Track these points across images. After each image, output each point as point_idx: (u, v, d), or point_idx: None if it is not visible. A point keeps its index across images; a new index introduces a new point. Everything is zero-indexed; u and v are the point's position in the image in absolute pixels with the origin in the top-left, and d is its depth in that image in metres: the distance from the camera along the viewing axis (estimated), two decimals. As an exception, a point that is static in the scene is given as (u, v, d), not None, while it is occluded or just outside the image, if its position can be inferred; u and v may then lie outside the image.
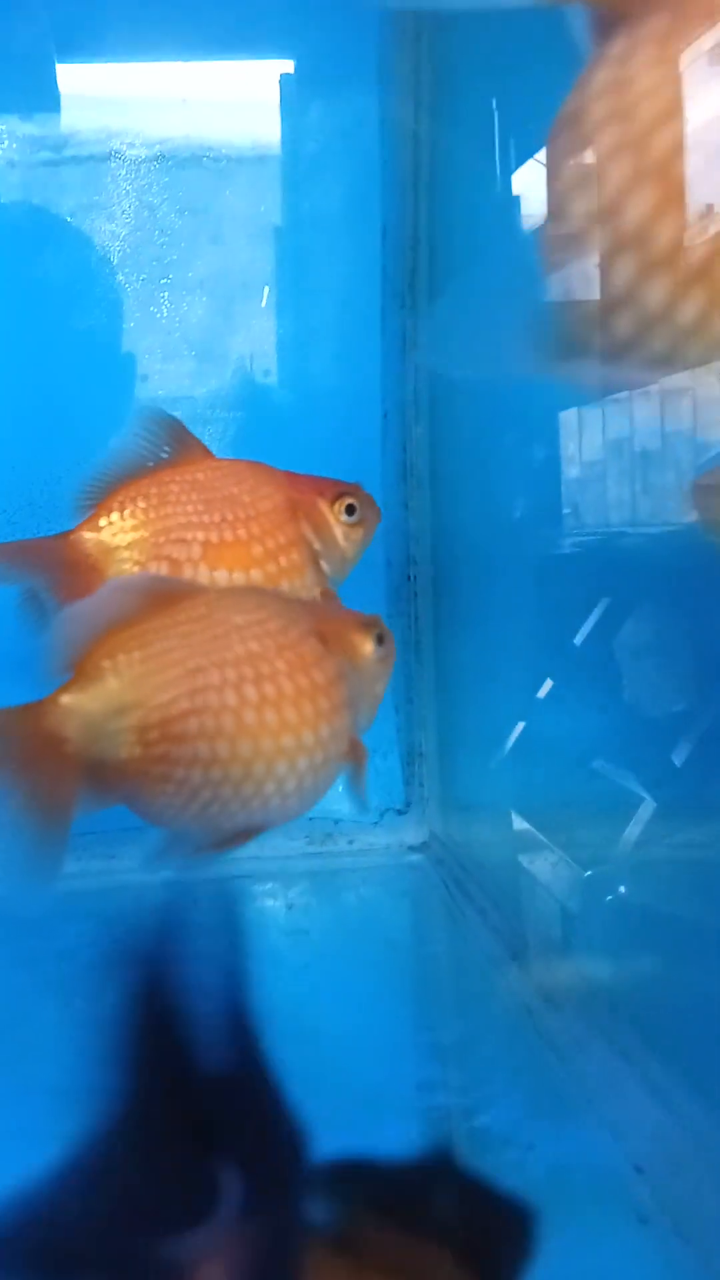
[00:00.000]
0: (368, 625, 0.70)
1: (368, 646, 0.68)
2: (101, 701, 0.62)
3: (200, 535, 0.76)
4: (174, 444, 0.82)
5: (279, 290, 1.24)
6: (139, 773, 0.61)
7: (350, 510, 0.81)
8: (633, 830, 1.01)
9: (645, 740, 1.02)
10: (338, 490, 0.83)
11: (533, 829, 1.11)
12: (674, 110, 0.43)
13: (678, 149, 0.42)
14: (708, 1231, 0.52)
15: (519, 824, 1.14)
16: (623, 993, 0.73)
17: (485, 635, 1.21)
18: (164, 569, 0.75)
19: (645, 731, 1.05)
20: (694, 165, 0.42)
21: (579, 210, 0.45)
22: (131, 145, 1.21)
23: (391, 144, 1.23)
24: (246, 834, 0.64)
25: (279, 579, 0.75)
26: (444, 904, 1.15)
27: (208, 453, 0.85)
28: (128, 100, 1.22)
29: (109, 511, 0.78)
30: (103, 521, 0.78)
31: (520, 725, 1.18)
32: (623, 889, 0.88)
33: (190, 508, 0.77)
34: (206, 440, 1.26)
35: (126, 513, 0.78)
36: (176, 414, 0.86)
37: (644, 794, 1.03)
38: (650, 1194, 0.56)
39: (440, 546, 1.26)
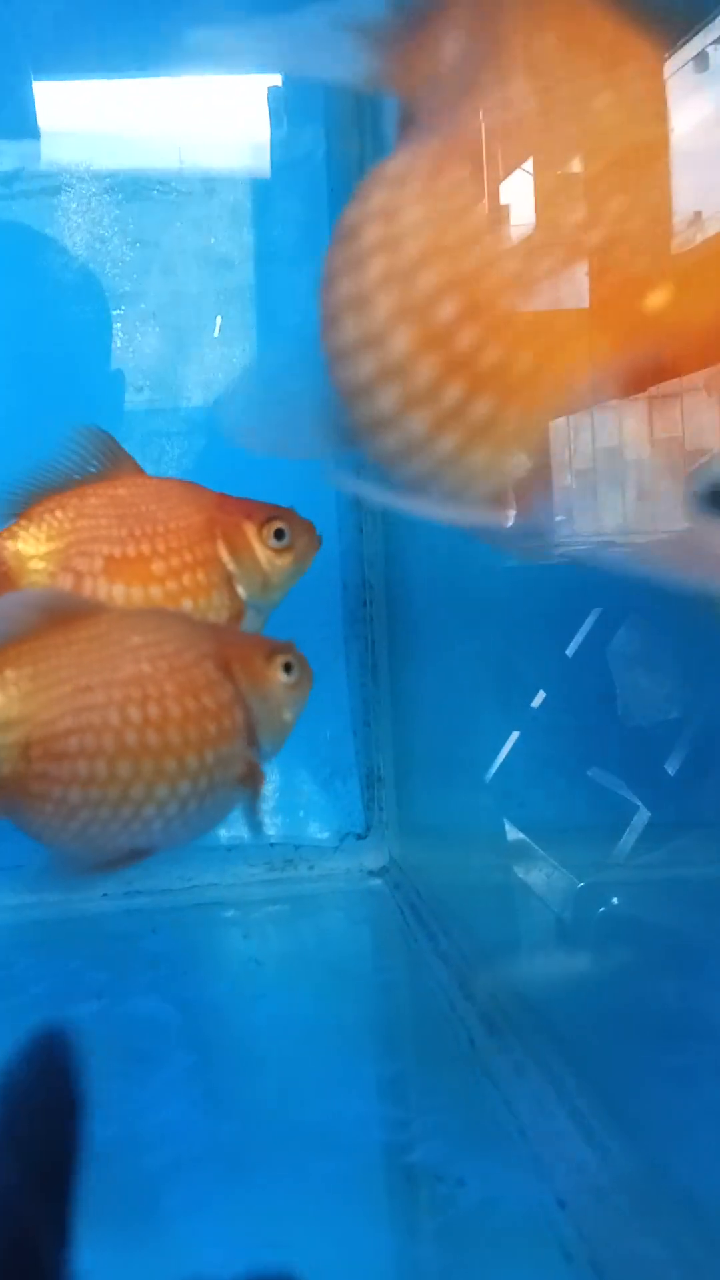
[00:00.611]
0: (275, 651, 0.70)
1: (274, 673, 0.69)
2: None
3: (105, 549, 0.77)
4: (104, 459, 0.83)
5: (230, 320, 1.26)
6: (20, 789, 0.62)
7: (279, 535, 0.81)
8: (583, 855, 1.01)
9: (602, 764, 1.03)
10: (267, 514, 0.83)
11: (485, 854, 1.12)
12: (435, 252, 0.43)
13: (439, 292, 0.42)
14: (623, 1268, 0.52)
15: (472, 848, 1.14)
16: (558, 1023, 0.73)
17: (441, 658, 1.21)
18: (69, 581, 0.76)
19: (602, 755, 1.05)
20: (450, 310, 0.42)
21: (348, 330, 0.46)
22: (81, 179, 1.22)
23: (339, 176, 1.24)
24: (133, 856, 0.64)
25: (180, 597, 0.76)
26: (401, 931, 1.15)
27: (138, 469, 0.86)
28: (76, 134, 1.23)
29: (27, 520, 0.79)
30: (20, 530, 0.79)
31: (475, 748, 1.19)
32: (568, 915, 0.88)
33: (103, 521, 0.78)
34: (163, 466, 1.27)
35: (43, 523, 0.79)
36: (120, 437, 0.87)
37: (594, 819, 1.04)
38: (573, 1230, 0.56)
39: (394, 570, 1.26)
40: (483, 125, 0.45)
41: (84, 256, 1.23)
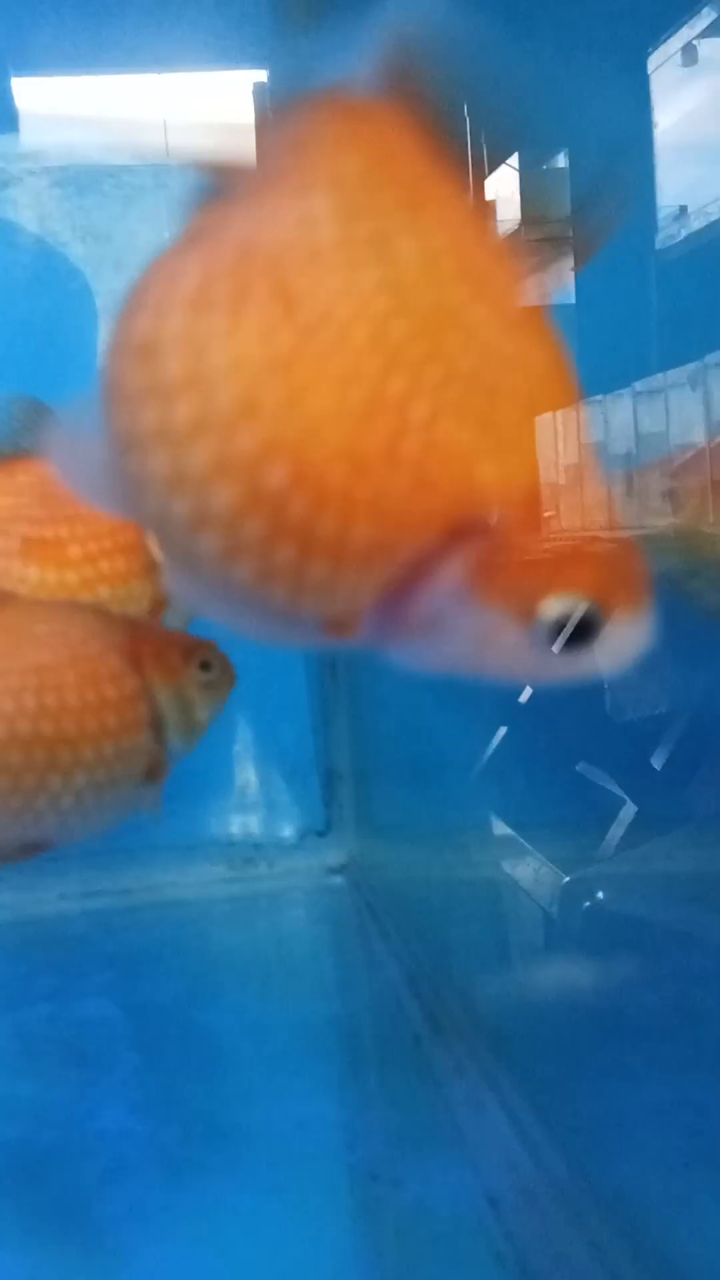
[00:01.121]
0: (192, 649, 0.69)
1: (190, 670, 0.68)
2: None
3: (24, 529, 0.75)
4: (38, 434, 0.81)
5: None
6: None
7: None
8: (539, 852, 1.02)
9: (561, 761, 1.03)
10: None
11: (440, 851, 1.12)
12: (254, 406, 0.40)
13: (263, 454, 0.40)
14: (550, 1270, 0.52)
15: (428, 846, 1.14)
16: (497, 1021, 0.73)
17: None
18: None
19: (562, 752, 1.05)
20: (278, 476, 0.40)
21: (158, 463, 0.44)
22: (32, 171, 1.21)
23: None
24: (27, 850, 0.63)
25: (97, 584, 0.74)
26: (358, 928, 1.15)
27: None
28: (25, 123, 1.21)
29: None
30: None
31: (433, 746, 1.19)
32: (514, 914, 0.88)
33: (25, 500, 0.77)
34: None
35: None
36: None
37: (549, 818, 1.04)
38: (502, 1230, 0.56)
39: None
40: (280, 238, 0.42)
41: (34, 251, 1.21)
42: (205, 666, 0.69)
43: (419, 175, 0.44)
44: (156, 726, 0.66)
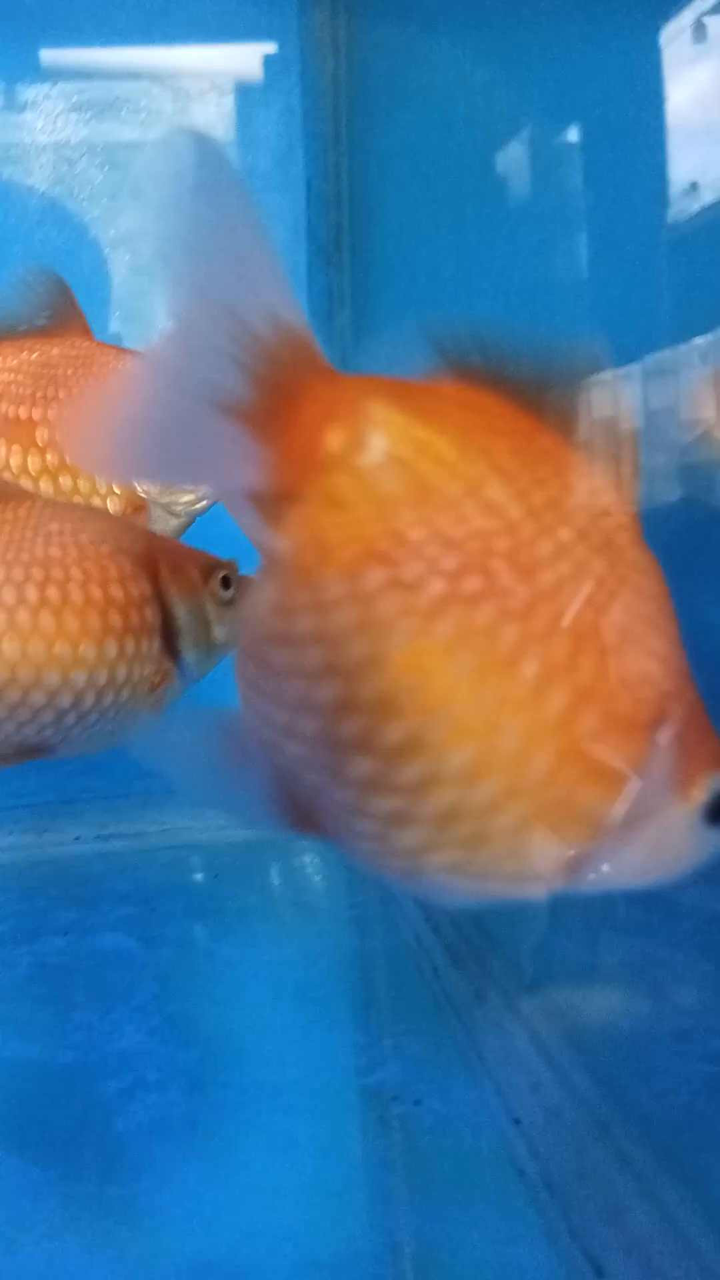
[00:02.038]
0: (213, 565, 0.67)
1: (208, 586, 0.65)
2: None
3: (6, 406, 0.74)
4: (55, 312, 0.79)
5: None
6: None
7: None
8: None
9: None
10: None
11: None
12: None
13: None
14: (574, 1182, 0.52)
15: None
16: (518, 949, 0.73)
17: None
18: None
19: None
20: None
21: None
22: (49, 96, 1.17)
23: (313, 96, 1.19)
24: (27, 753, 0.61)
25: (59, 473, 0.72)
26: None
27: (86, 332, 0.82)
28: (44, 45, 1.18)
29: None
30: None
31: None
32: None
33: (20, 377, 0.75)
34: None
35: None
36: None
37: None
38: (525, 1146, 0.56)
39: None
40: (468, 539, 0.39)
41: (50, 179, 1.18)
42: (225, 584, 0.67)
43: (536, 436, 0.44)
44: (169, 637, 0.64)
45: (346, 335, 1.22)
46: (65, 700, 0.59)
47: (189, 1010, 0.79)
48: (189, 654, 0.65)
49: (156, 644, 0.62)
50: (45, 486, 0.75)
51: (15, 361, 0.77)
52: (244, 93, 1.20)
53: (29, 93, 1.16)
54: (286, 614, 0.40)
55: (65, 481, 0.73)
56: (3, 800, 1.27)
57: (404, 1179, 0.59)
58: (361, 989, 0.85)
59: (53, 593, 0.59)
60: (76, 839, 1.22)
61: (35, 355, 0.77)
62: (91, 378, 0.77)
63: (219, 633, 0.66)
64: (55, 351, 0.78)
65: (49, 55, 1.17)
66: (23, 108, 1.16)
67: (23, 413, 0.74)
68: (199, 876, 1.16)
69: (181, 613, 0.64)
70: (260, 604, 0.41)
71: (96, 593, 0.60)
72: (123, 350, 0.83)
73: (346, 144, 1.18)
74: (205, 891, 1.12)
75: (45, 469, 0.73)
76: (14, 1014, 0.81)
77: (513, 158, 0.89)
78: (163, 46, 1.19)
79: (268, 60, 1.20)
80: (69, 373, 0.77)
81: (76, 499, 0.74)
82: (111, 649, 0.60)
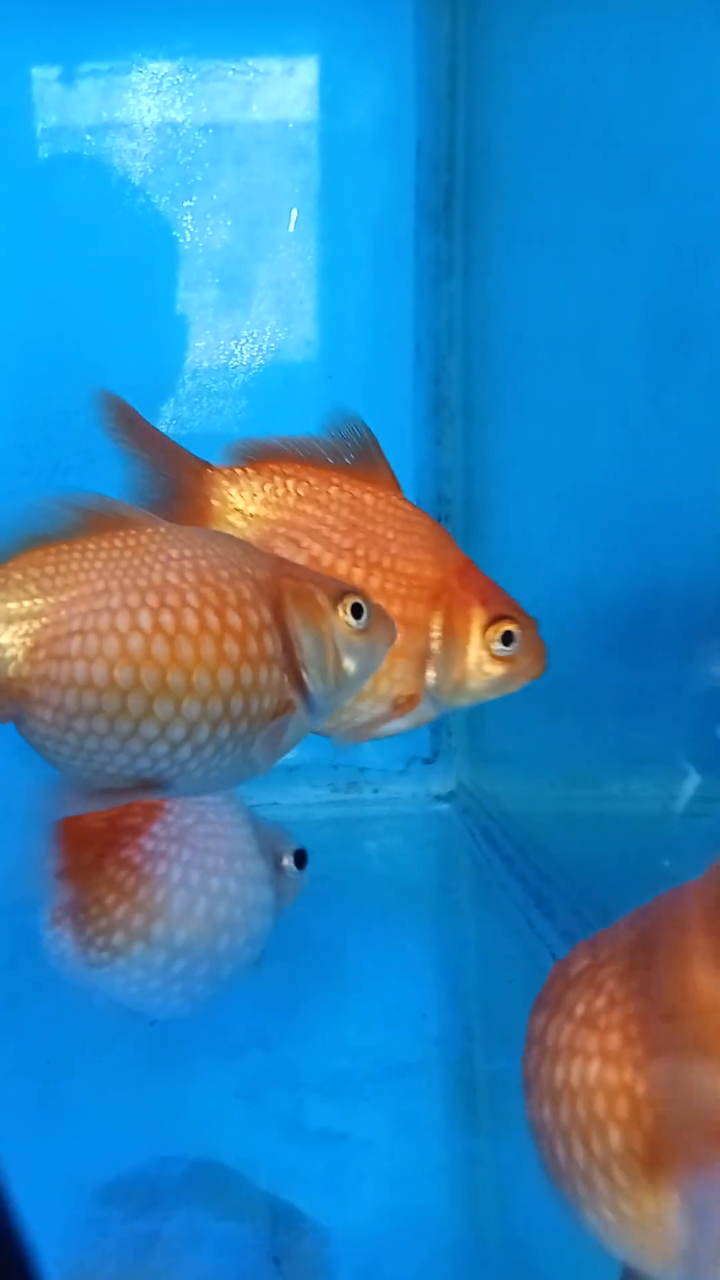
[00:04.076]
0: (342, 592, 0.63)
1: (337, 613, 0.61)
2: None
3: (316, 550, 0.69)
4: (360, 456, 0.73)
5: (307, 213, 1.19)
6: (24, 694, 0.56)
7: (507, 639, 0.70)
8: (663, 785, 0.97)
9: (679, 696, 0.98)
10: (498, 611, 0.71)
11: (563, 781, 1.08)
12: None
13: None
14: None
15: (549, 776, 1.10)
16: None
17: (517, 579, 1.16)
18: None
19: (678, 687, 1.00)
20: None
21: None
22: (154, 58, 1.15)
23: (427, 53, 1.15)
24: (142, 788, 0.58)
25: None
26: (470, 853, 1.12)
27: (394, 484, 0.75)
28: (146, 9, 1.16)
29: (254, 472, 0.71)
30: (240, 475, 0.71)
31: (552, 675, 1.14)
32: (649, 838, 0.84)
33: (330, 520, 0.70)
34: (231, 370, 1.22)
35: (267, 484, 0.71)
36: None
37: (676, 750, 0.99)
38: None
39: (474, 485, 1.20)
40: None
41: (154, 143, 1.16)
42: (356, 612, 0.62)
43: None
44: (291, 667, 0.60)
45: (455, 303, 1.18)
46: (178, 732, 0.56)
47: (281, 983, 0.77)
48: (315, 686, 0.61)
49: (277, 675, 0.59)
50: None
51: (324, 497, 0.71)
52: (352, 51, 1.17)
53: (133, 54, 1.14)
54: None
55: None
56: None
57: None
58: (471, 975, 0.83)
59: (167, 619, 0.56)
60: (164, 812, 1.21)
61: (345, 495, 0.71)
62: (414, 548, 0.72)
63: (349, 664, 0.62)
64: (368, 500, 0.72)
65: (153, 17, 1.15)
66: (128, 70, 1.14)
67: (340, 569, 0.69)
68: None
69: (306, 642, 0.60)
70: None
71: (213, 620, 0.56)
72: (435, 522, 0.76)
73: (463, 105, 1.13)
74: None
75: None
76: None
77: (644, 124, 0.84)
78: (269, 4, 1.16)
79: (379, 17, 1.16)
80: (389, 535, 0.71)
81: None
82: (227, 679, 0.56)
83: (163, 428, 1.25)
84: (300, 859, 0.74)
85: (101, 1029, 0.68)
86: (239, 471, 0.72)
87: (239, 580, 0.59)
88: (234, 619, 0.58)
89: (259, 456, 0.73)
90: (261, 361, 1.20)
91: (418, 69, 1.16)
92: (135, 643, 0.56)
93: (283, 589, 0.61)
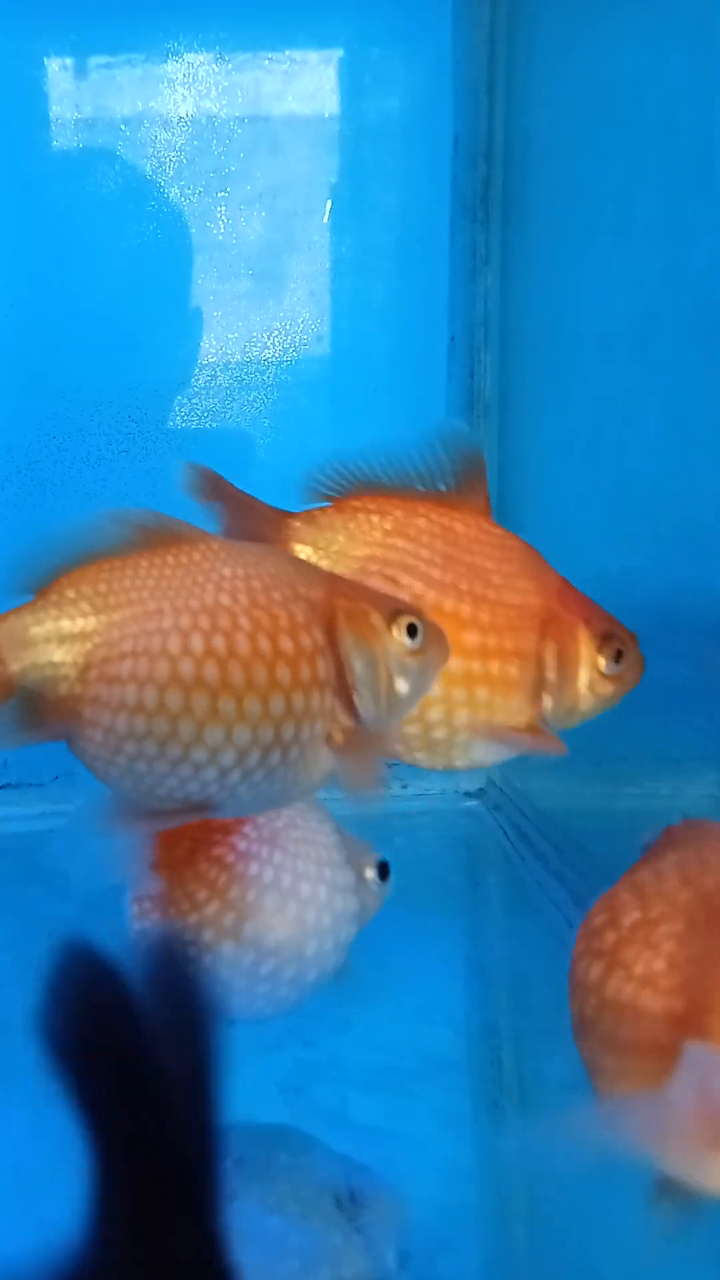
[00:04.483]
0: (396, 611, 0.61)
1: (391, 634, 0.60)
2: (47, 628, 0.57)
3: (408, 584, 0.65)
4: (460, 479, 0.70)
5: (341, 204, 1.18)
6: (75, 714, 0.56)
7: (618, 657, 0.68)
8: (700, 780, 0.96)
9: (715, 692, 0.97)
10: (608, 627, 0.69)
11: (596, 779, 1.07)
12: None
13: None
14: None
15: (582, 773, 1.09)
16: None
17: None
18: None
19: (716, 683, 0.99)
20: None
21: None
22: (190, 48, 1.14)
23: (464, 42, 1.14)
24: (192, 810, 0.57)
25: (478, 685, 0.65)
26: (501, 850, 1.12)
27: (488, 508, 0.72)
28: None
29: (337, 510, 0.68)
30: (322, 516, 0.68)
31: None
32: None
33: (424, 553, 0.67)
34: (262, 364, 1.21)
35: (353, 520, 0.68)
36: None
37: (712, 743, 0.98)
38: None
39: (507, 481, 1.20)
40: None
41: (189, 133, 1.16)
42: (411, 632, 0.61)
43: None
44: (343, 691, 0.58)
45: (492, 297, 1.17)
46: (229, 757, 0.55)
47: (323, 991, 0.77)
48: (366, 710, 0.59)
49: (329, 699, 0.57)
50: (457, 693, 0.66)
51: (413, 529, 0.68)
52: (389, 42, 1.16)
53: (169, 44, 1.14)
54: None
55: (481, 694, 0.65)
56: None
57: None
58: (505, 973, 0.83)
59: (219, 643, 0.55)
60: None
61: (435, 526, 0.68)
62: (515, 576, 0.69)
63: (402, 685, 0.61)
64: (459, 529, 0.69)
65: (189, 6, 1.14)
66: (163, 60, 1.14)
67: (446, 605, 0.65)
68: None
69: (359, 665, 0.59)
70: None
71: (265, 644, 0.55)
72: (527, 544, 0.73)
73: (502, 96, 1.12)
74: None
75: (456, 679, 0.65)
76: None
77: (706, 114, 0.82)
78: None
79: (417, 6, 1.15)
80: (489, 565, 0.68)
81: (477, 712, 0.66)
82: (278, 705, 0.55)
83: (195, 421, 1.25)
84: (384, 871, 0.73)
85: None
86: (317, 514, 0.70)
87: (292, 602, 0.58)
88: (286, 643, 0.57)
89: (341, 489, 0.70)
90: (294, 354, 1.19)
91: (455, 59, 1.15)
92: (187, 667, 0.55)
93: (336, 609, 0.60)
